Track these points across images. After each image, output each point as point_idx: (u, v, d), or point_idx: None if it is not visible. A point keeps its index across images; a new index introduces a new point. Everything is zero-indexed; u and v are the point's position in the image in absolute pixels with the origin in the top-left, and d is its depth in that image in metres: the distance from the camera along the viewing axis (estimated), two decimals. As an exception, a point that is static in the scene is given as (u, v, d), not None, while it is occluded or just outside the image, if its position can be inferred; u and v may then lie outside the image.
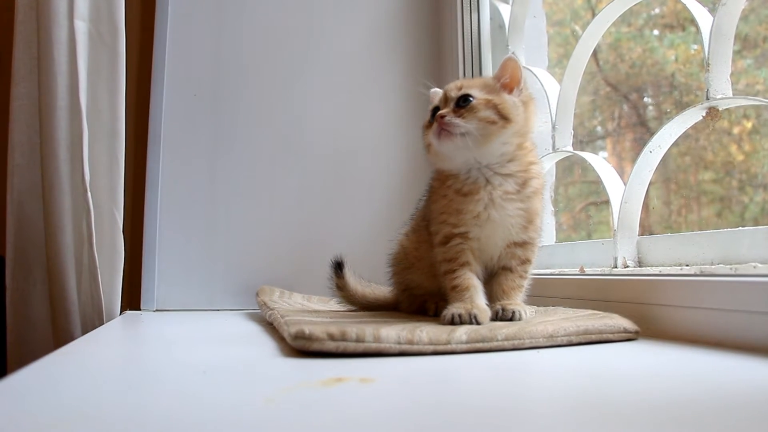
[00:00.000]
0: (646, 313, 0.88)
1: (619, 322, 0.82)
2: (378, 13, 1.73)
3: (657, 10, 1.52)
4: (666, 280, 0.88)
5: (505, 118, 0.88)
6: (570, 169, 1.55)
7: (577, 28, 1.63)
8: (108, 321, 1.30)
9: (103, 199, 1.35)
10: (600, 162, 1.21)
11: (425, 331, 0.72)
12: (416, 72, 1.70)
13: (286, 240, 1.60)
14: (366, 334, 0.69)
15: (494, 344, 0.73)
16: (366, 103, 1.70)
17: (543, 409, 0.49)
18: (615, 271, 1.09)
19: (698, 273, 0.92)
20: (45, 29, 1.33)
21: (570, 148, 1.30)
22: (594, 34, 1.26)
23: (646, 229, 1.15)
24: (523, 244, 0.91)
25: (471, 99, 0.88)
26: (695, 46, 1.38)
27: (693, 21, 1.01)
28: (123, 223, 1.37)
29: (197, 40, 1.60)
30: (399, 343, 0.70)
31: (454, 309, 0.83)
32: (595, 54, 1.34)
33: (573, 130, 1.32)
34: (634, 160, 1.09)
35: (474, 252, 0.90)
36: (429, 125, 0.93)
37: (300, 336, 0.69)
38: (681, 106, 1.18)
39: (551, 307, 1.01)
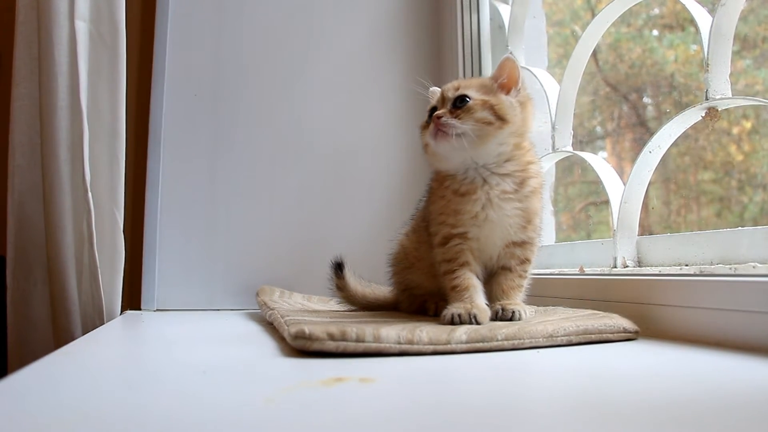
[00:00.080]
0: (646, 313, 0.88)
1: (618, 321, 0.82)
2: (378, 13, 1.73)
3: (656, 11, 1.52)
4: (665, 280, 0.88)
5: (501, 118, 0.88)
6: (570, 169, 1.55)
7: (576, 28, 1.63)
8: (108, 321, 1.30)
9: (103, 199, 1.35)
10: (600, 162, 1.21)
11: (425, 331, 0.72)
12: (416, 72, 1.70)
13: (286, 240, 1.60)
14: (366, 334, 0.69)
15: (494, 344, 0.73)
16: (366, 103, 1.70)
17: (543, 408, 0.50)
18: (615, 271, 1.09)
19: (698, 273, 0.92)
20: (46, 30, 1.33)
21: (570, 148, 1.30)
22: (594, 35, 1.26)
23: (645, 229, 1.15)
24: (522, 244, 0.91)
25: (468, 100, 0.88)
26: (695, 47, 1.38)
27: (692, 21, 1.01)
28: (123, 223, 1.37)
29: (197, 40, 1.60)
30: (399, 343, 0.70)
31: (454, 309, 0.83)
32: (594, 54, 1.34)
33: (573, 130, 1.32)
34: (633, 160, 1.09)
35: (473, 252, 0.90)
36: (426, 125, 0.93)
37: (300, 336, 0.69)
38: (680, 107, 1.18)
39: (551, 307, 1.01)
